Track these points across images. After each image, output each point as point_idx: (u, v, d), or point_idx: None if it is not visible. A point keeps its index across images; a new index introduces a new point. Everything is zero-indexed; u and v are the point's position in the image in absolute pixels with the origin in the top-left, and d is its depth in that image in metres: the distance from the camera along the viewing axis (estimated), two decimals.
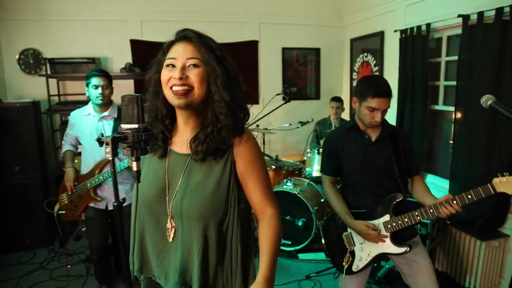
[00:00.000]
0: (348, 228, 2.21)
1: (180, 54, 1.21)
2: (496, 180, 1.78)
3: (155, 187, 1.27)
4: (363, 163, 2.18)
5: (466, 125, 3.22)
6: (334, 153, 2.26)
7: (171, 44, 1.26)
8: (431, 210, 1.94)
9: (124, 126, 0.96)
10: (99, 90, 2.84)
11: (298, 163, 4.47)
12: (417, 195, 2.19)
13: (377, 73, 4.60)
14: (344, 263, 2.21)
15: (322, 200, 3.87)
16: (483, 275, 3.05)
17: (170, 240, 1.27)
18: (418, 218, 2.00)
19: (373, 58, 4.72)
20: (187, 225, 1.24)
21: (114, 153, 0.89)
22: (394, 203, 2.09)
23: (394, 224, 2.07)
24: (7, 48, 4.48)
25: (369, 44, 4.81)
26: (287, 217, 3.82)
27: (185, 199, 1.23)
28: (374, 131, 2.20)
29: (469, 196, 1.84)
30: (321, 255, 3.79)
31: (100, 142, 0.91)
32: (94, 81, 2.83)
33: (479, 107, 2.80)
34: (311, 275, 3.44)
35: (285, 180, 4.02)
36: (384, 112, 2.10)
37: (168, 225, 1.26)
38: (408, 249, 2.07)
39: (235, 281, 1.29)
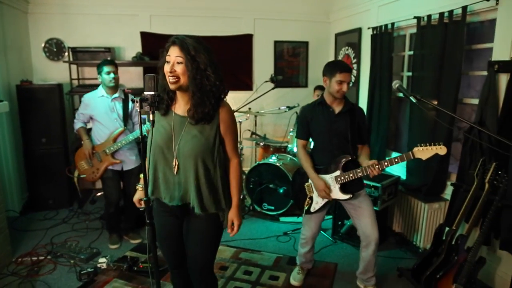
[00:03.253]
0: (309, 180, 2.91)
1: (172, 54, 1.83)
2: (415, 149, 2.49)
3: (165, 136, 1.93)
4: (327, 130, 2.85)
5: (418, 109, 3.87)
6: (306, 122, 2.94)
7: (169, 46, 1.86)
8: (364, 171, 2.65)
9: (146, 93, 1.63)
10: (112, 75, 3.54)
11: (282, 142, 5.15)
12: (360, 158, 2.88)
13: (355, 65, 5.26)
14: (305, 205, 2.92)
15: None
16: (426, 232, 3.72)
17: (175, 173, 1.94)
18: (360, 174, 2.69)
19: (352, 51, 5.36)
20: (185, 162, 1.91)
21: (141, 106, 1.58)
22: (344, 162, 2.78)
23: (342, 177, 2.76)
24: (35, 37, 5.16)
25: (350, 39, 5.45)
26: (270, 185, 4.54)
27: (185, 145, 1.90)
28: (338, 105, 2.86)
29: (396, 160, 2.54)
30: (300, 219, 4.49)
31: (132, 101, 1.60)
32: (106, 68, 3.53)
33: (427, 93, 3.50)
34: (288, 232, 4.16)
35: (271, 156, 4.72)
36: (348, 84, 2.76)
37: (173, 163, 1.93)
38: (351, 196, 2.77)
39: (219, 201, 1.99)
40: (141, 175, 2.08)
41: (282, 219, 4.52)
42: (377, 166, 2.57)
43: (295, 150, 4.74)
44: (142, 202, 1.89)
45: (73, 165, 3.89)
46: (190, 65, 1.78)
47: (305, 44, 6.07)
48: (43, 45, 5.18)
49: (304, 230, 3.11)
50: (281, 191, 4.48)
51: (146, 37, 5.44)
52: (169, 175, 1.96)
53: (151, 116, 1.64)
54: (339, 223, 3.96)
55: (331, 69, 2.78)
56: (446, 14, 3.41)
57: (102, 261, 3.33)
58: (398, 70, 4.52)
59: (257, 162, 4.67)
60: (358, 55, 5.20)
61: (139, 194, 2.15)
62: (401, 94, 4.47)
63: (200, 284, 2.13)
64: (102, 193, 5.09)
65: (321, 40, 6.09)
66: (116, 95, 3.63)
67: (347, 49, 5.51)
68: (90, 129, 3.81)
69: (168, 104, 1.95)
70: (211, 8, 5.59)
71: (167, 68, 1.82)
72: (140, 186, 2.15)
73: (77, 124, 3.75)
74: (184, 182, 1.94)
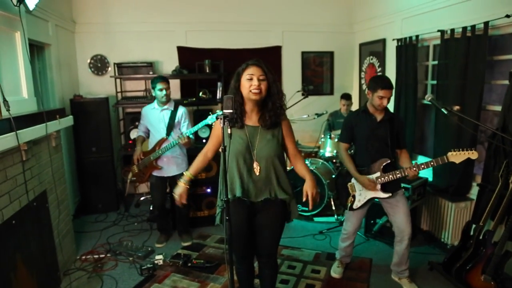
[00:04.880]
0: (352, 180, 3.25)
1: (255, 72, 2.23)
2: (449, 153, 2.82)
3: (243, 144, 2.32)
4: (369, 135, 3.19)
5: (444, 116, 4.14)
6: (350, 127, 3.29)
7: (246, 67, 2.27)
8: (403, 172, 2.99)
9: (225, 111, 1.98)
10: (164, 92, 3.92)
11: (314, 147, 5.47)
12: (401, 161, 3.22)
13: (380, 73, 5.56)
14: (348, 203, 3.27)
15: (333, 176, 4.86)
16: (453, 230, 3.99)
17: (257, 174, 2.33)
18: (398, 175, 3.03)
19: (377, 61, 5.67)
20: (265, 162, 2.32)
21: (224, 122, 1.94)
22: (384, 164, 3.11)
23: (382, 178, 3.09)
24: (81, 54, 5.61)
25: (374, 49, 5.76)
26: None
27: (263, 149, 2.31)
28: (379, 114, 3.19)
29: (432, 163, 2.90)
30: (332, 219, 4.80)
31: (217, 118, 1.98)
32: (159, 85, 3.91)
33: (452, 101, 3.77)
34: (323, 231, 4.47)
35: (304, 160, 5.03)
36: (388, 99, 3.09)
37: (255, 165, 2.32)
38: (391, 195, 3.11)
39: (287, 185, 2.41)
40: (185, 172, 2.49)
41: (316, 219, 4.84)
42: (414, 168, 2.91)
43: (326, 154, 5.05)
44: (183, 196, 2.42)
45: (129, 168, 4.29)
46: (271, 76, 2.25)
47: (331, 53, 6.39)
48: (88, 61, 5.62)
49: (346, 226, 3.44)
50: None
51: (182, 51, 5.83)
52: (253, 176, 2.35)
53: (229, 130, 1.99)
54: (372, 222, 4.26)
55: (374, 85, 3.12)
56: (468, 28, 3.70)
57: (159, 258, 3.70)
58: (422, 78, 4.80)
59: (292, 167, 4.99)
60: (382, 64, 5.50)
61: (181, 189, 2.45)
62: (426, 102, 4.76)
63: (267, 267, 2.58)
64: (145, 197, 5.53)
65: (345, 50, 6.41)
66: (166, 106, 4.00)
67: (372, 59, 5.82)
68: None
69: (241, 118, 2.33)
70: (242, 23, 5.96)
71: (252, 83, 2.21)
72: (183, 181, 2.47)
73: (139, 132, 4.21)
74: (266, 178, 2.34)
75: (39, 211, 3.11)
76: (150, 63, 5.52)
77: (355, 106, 5.93)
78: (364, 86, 6.14)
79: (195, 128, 3.79)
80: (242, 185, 2.35)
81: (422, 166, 2.93)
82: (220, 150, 2.03)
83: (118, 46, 5.69)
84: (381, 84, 3.06)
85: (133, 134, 4.23)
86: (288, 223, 2.55)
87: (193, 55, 5.79)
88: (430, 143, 4.86)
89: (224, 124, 1.94)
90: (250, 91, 2.21)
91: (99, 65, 5.66)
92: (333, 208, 4.86)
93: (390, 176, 3.07)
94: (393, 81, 4.91)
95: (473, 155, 2.77)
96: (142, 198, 5.56)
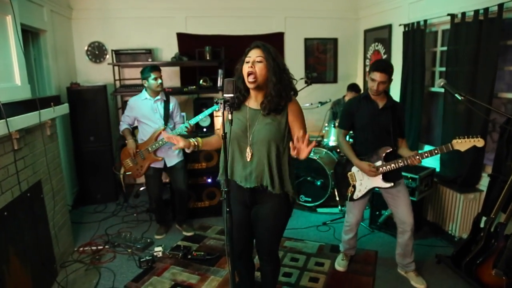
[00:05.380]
0: (352, 169, 3.11)
1: (252, 55, 2.08)
2: (454, 141, 2.69)
3: (241, 127, 2.18)
4: (371, 122, 3.04)
5: (453, 103, 4.01)
6: (350, 114, 3.14)
7: (249, 50, 2.12)
8: (405, 161, 2.85)
9: (226, 95, 1.85)
10: (159, 81, 3.79)
11: (318, 136, 5.34)
12: (401, 151, 3.07)
13: None
14: (348, 193, 3.13)
15: None
16: (462, 222, 3.87)
17: (248, 159, 2.17)
18: (401, 164, 2.89)
19: (382, 47, 5.50)
20: (259, 146, 2.14)
21: (224, 108, 1.80)
22: (386, 152, 2.97)
23: (384, 167, 2.95)
24: (78, 41, 5.46)
25: (379, 35, 5.59)
26: (308, 178, 4.74)
27: (260, 132, 2.14)
28: (381, 101, 3.04)
29: (436, 151, 2.75)
30: (336, 210, 4.69)
31: (216, 102, 1.83)
32: (153, 74, 3.77)
33: (462, 88, 3.63)
34: (327, 222, 4.36)
35: None
36: (380, 83, 2.91)
37: (247, 150, 2.16)
38: (392, 184, 2.97)
39: (287, 182, 2.20)
40: (197, 138, 2.31)
41: (319, 210, 4.72)
42: (417, 157, 2.78)
43: (330, 144, 4.92)
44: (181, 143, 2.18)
45: (119, 163, 4.16)
46: (272, 62, 2.05)
47: (335, 40, 6.22)
48: (86, 48, 5.47)
49: (348, 217, 3.31)
50: (319, 183, 4.68)
51: (182, 37, 5.67)
52: (245, 161, 2.19)
53: (229, 115, 1.86)
54: (377, 213, 4.14)
55: (370, 67, 2.98)
56: (481, 12, 3.53)
57: (158, 250, 3.60)
58: (429, 65, 4.65)
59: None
60: (388, 51, 5.34)
61: (186, 142, 2.23)
62: (434, 89, 4.62)
63: (267, 264, 2.41)
64: (144, 187, 5.41)
65: (350, 37, 6.23)
66: (158, 97, 3.87)
67: (377, 45, 5.65)
68: (135, 128, 4.07)
69: (241, 101, 2.19)
70: (243, 8, 5.78)
71: (245, 67, 2.06)
72: (194, 140, 2.27)
73: (122, 126, 3.99)
74: (258, 165, 2.16)
75: (33, 202, 2.99)
76: (149, 50, 5.37)
77: None
78: None
79: (201, 115, 3.65)
80: (232, 168, 2.23)
81: (426, 154, 2.78)
82: (221, 135, 1.89)
83: (117, 33, 5.53)
84: (374, 67, 2.93)
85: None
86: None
87: (193, 41, 5.63)
88: (437, 132, 4.72)
89: (224, 109, 1.81)
90: (247, 75, 2.08)
91: (96, 52, 5.51)
92: (337, 199, 4.74)
93: (393, 165, 2.93)
94: (399, 68, 4.83)
95: (479, 142, 2.64)
96: (141, 189, 5.45)
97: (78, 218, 4.55)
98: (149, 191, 4.20)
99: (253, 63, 2.06)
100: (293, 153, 1.86)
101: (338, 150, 4.95)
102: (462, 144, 2.67)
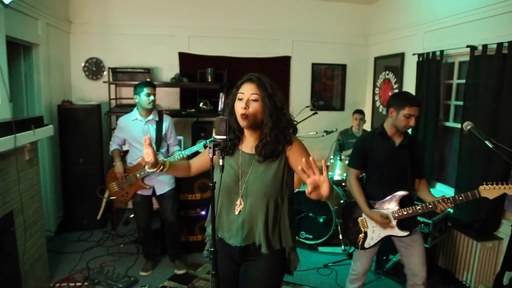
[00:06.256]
0: (363, 214, 2.76)
1: (246, 90, 1.77)
2: (481, 187, 2.36)
3: (232, 175, 1.85)
4: (386, 162, 2.72)
5: (471, 140, 3.68)
6: (363, 151, 2.81)
7: (241, 83, 1.81)
8: (430, 206, 2.51)
9: (217, 137, 1.54)
10: (151, 97, 3.48)
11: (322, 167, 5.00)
12: (421, 193, 2.74)
13: (396, 90, 5.11)
14: (358, 241, 2.77)
15: (341, 202, 4.40)
16: (478, 272, 3.51)
17: (236, 213, 1.84)
18: (420, 210, 2.56)
19: (394, 76, 5.22)
20: (254, 200, 1.81)
21: (213, 153, 1.49)
22: (402, 197, 2.64)
23: (400, 213, 2.62)
24: (75, 57, 5.22)
25: (391, 63, 5.32)
26: (310, 214, 4.39)
27: (255, 182, 1.81)
28: (398, 138, 2.73)
29: (460, 198, 2.42)
30: (339, 249, 4.32)
31: (204, 146, 1.51)
32: (147, 90, 3.46)
33: (481, 125, 3.32)
34: (329, 264, 3.99)
35: None
36: (415, 118, 2.62)
37: (237, 202, 1.84)
38: (409, 233, 2.63)
39: (286, 236, 1.87)
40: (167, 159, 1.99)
41: (321, 249, 4.36)
42: (449, 202, 2.44)
43: (335, 178, 4.59)
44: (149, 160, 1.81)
45: (106, 186, 3.85)
46: (268, 102, 1.74)
47: (343, 66, 5.96)
48: (83, 64, 5.22)
49: (355, 266, 2.94)
50: (321, 220, 4.33)
51: (184, 57, 5.43)
52: (232, 215, 1.87)
53: (220, 161, 1.55)
54: (384, 258, 3.78)
55: (400, 101, 2.64)
56: (505, 45, 3.25)
57: None
58: (444, 98, 4.35)
59: (297, 190, 4.54)
60: (400, 81, 5.06)
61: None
62: (448, 124, 4.31)
63: None
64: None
65: (359, 63, 5.98)
66: (150, 117, 3.57)
67: (388, 74, 5.37)
68: (126, 151, 3.76)
69: (235, 144, 1.88)
70: (250, 30, 5.55)
71: (238, 105, 1.76)
72: (161, 160, 1.94)
73: (112, 146, 3.72)
74: (249, 221, 1.84)
75: (2, 236, 2.67)
76: (148, 69, 5.10)
77: (367, 124, 5.48)
78: (378, 103, 5.68)
79: (187, 152, 3.39)
80: (218, 221, 1.90)
81: (449, 200, 2.46)
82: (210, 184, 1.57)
83: (116, 50, 5.29)
84: (409, 101, 2.59)
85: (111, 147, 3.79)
86: (290, 275, 2.04)
87: (195, 62, 5.37)
88: (450, 169, 4.39)
89: (213, 154, 1.49)
90: (240, 114, 1.76)
91: (94, 69, 5.26)
92: (340, 237, 4.38)
93: (410, 211, 2.59)
94: None
95: (510, 190, 2.31)
96: (131, 216, 5.10)
97: (60, 247, 4.21)
98: (136, 219, 3.85)
99: (247, 103, 1.75)
100: (311, 194, 1.49)
101: (343, 184, 4.61)
102: (490, 192, 2.34)
